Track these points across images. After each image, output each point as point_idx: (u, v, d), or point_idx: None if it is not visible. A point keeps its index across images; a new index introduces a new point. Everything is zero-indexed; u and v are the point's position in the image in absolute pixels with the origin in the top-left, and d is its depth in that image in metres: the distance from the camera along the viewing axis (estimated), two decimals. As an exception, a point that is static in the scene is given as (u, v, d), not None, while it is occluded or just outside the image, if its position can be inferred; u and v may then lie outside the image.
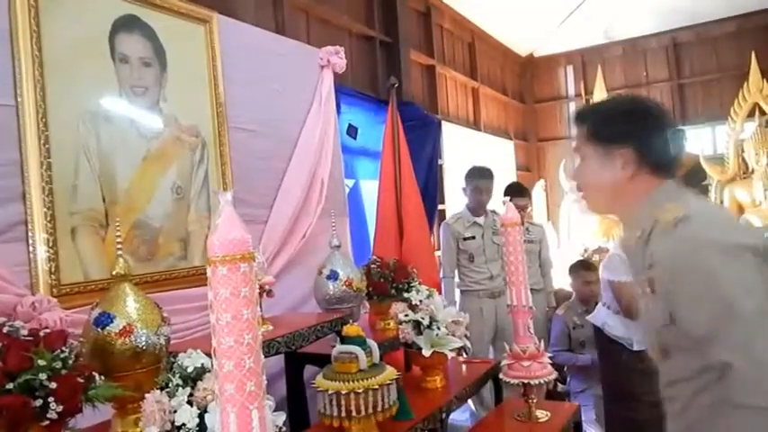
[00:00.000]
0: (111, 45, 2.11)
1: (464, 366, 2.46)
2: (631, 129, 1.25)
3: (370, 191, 4.03)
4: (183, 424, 1.11)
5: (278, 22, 3.41)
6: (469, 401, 3.11)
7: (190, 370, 1.18)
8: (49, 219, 1.85)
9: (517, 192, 3.82)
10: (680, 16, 6.32)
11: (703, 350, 1.06)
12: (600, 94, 6.02)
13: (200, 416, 1.14)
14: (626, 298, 2.77)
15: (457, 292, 3.65)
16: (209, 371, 1.22)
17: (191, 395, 1.17)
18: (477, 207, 3.55)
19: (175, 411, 1.14)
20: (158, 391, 1.16)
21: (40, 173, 1.85)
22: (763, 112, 5.21)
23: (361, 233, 3.90)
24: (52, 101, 1.90)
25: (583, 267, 3.84)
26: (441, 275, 3.48)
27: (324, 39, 3.73)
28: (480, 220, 3.54)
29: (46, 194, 1.85)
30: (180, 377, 1.19)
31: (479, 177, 3.57)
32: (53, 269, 1.86)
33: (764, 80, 5.21)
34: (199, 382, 1.18)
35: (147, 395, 1.16)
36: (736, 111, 5.34)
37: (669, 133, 1.24)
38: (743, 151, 5.29)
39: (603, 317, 2.90)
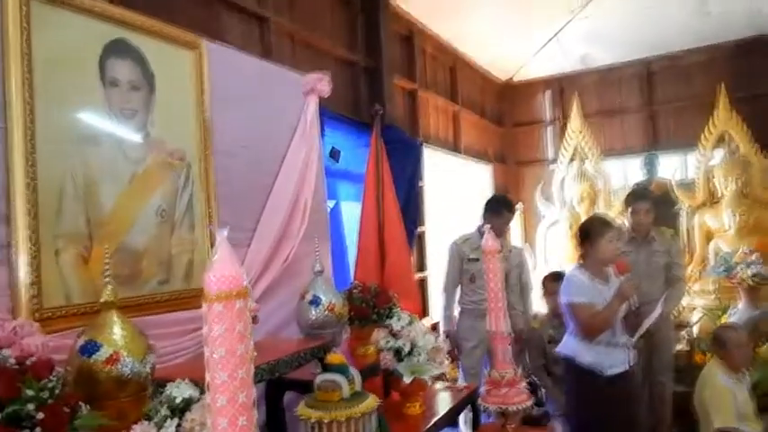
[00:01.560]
0: (101, 68, 2.13)
1: (443, 392, 2.49)
2: None
3: (350, 212, 4.08)
4: (172, 455, 1.13)
5: (264, 45, 3.46)
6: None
7: (178, 401, 1.19)
8: (33, 242, 1.85)
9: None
10: (653, 46, 6.54)
11: None
12: (576, 120, 6.16)
13: (188, 447, 1.15)
14: (582, 319, 2.85)
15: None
16: (197, 401, 1.24)
17: (178, 425, 1.18)
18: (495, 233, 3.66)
19: (163, 442, 1.16)
20: (146, 422, 1.17)
21: (26, 195, 1.84)
22: (731, 140, 5.39)
23: (341, 255, 3.93)
24: (41, 123, 1.90)
25: (551, 279, 3.95)
26: (443, 289, 3.67)
27: (308, 63, 3.79)
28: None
29: (31, 217, 1.85)
30: (167, 408, 1.20)
31: (509, 212, 3.74)
32: (35, 293, 1.85)
33: (732, 109, 5.40)
34: (187, 413, 1.20)
35: (134, 426, 1.17)
36: (706, 138, 5.51)
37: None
38: (712, 178, 5.45)
39: (573, 346, 2.95)
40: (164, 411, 1.19)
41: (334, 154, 3.99)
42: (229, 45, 2.95)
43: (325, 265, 2.91)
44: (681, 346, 4.41)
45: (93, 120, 2.10)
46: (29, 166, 1.86)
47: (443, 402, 2.33)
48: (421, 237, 4.97)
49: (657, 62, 6.80)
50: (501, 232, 3.71)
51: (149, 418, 1.21)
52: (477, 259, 3.65)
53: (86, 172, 2.05)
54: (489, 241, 2.23)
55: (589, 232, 2.98)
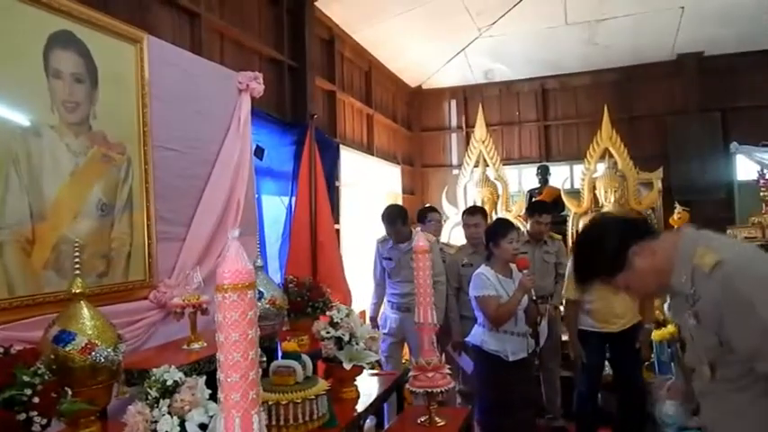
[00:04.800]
0: (45, 60, 2.11)
1: (372, 378, 2.70)
2: (621, 239, 1.53)
3: (271, 206, 4.17)
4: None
5: (194, 41, 3.47)
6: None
7: (169, 383, 1.30)
8: (-23, 234, 1.82)
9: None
10: (548, 66, 7.20)
11: (749, 363, 1.34)
12: (480, 129, 6.61)
13: (180, 424, 1.27)
14: (489, 310, 3.22)
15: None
16: (183, 384, 1.35)
17: (169, 405, 1.29)
18: (394, 240, 3.88)
19: (156, 422, 1.26)
20: (140, 403, 1.27)
21: (-31, 186, 1.82)
22: (611, 156, 6.08)
23: (261, 247, 4.01)
24: (-15, 114, 1.87)
25: (467, 213, 4.31)
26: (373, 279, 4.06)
27: (236, 60, 3.84)
28: (402, 245, 3.86)
29: (-25, 208, 1.82)
30: (157, 390, 1.30)
31: (385, 216, 3.95)
32: (-21, 285, 1.82)
33: (614, 129, 6.11)
34: (176, 395, 1.31)
35: (129, 407, 1.27)
36: (591, 153, 6.18)
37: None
38: (595, 188, 6.12)
39: (480, 335, 3.31)
40: (154, 393, 1.29)
41: (257, 152, 4.06)
42: (161, 38, 2.96)
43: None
44: (567, 337, 4.95)
45: (37, 111, 2.08)
46: (-28, 155, 1.83)
47: (374, 387, 2.54)
48: (337, 234, 5.15)
49: (551, 81, 7.49)
50: (395, 238, 3.99)
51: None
52: (390, 258, 3.94)
53: (29, 164, 2.03)
54: (420, 241, 2.46)
55: (493, 234, 3.34)
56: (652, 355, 4.40)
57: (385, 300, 4.05)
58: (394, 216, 3.88)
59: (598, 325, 3.73)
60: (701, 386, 1.53)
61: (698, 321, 1.41)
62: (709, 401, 1.52)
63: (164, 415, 1.26)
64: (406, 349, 4.15)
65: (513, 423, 3.22)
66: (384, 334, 3.92)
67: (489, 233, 3.41)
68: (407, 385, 2.46)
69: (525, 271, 3.22)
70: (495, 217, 6.16)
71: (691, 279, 1.42)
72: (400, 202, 7.23)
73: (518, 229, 3.63)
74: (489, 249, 3.37)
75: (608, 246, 1.56)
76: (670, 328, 4.38)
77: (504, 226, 3.38)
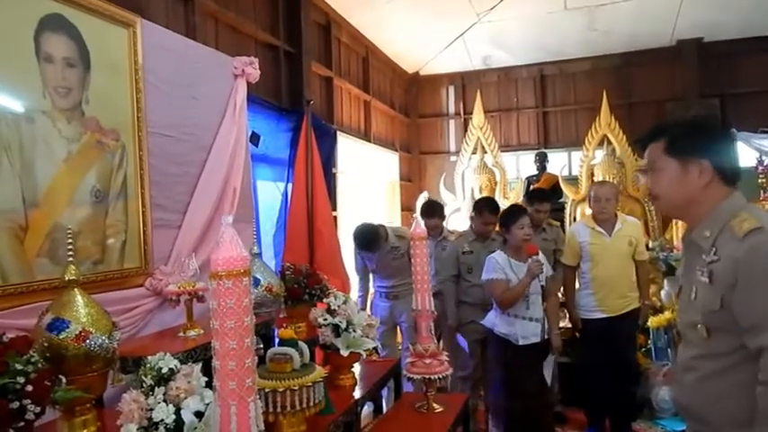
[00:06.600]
0: (36, 44, 2.07)
1: (369, 365, 2.70)
2: (709, 143, 1.42)
3: (265, 191, 4.15)
4: (162, 420, 1.23)
5: (188, 25, 3.41)
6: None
7: (164, 371, 1.29)
8: (-31, 221, 1.80)
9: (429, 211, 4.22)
10: (546, 52, 7.14)
11: (746, 335, 1.29)
12: (478, 115, 6.57)
13: (176, 412, 1.26)
14: (496, 293, 3.25)
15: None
16: (178, 372, 1.34)
17: (164, 393, 1.28)
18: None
19: (151, 409, 1.25)
20: (135, 391, 1.25)
21: (-40, 172, 1.79)
22: (609, 143, 6.05)
23: (257, 233, 4.00)
24: (-24, 99, 1.84)
25: (488, 208, 3.98)
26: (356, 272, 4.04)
27: (231, 45, 3.79)
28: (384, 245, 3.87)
29: (-34, 195, 1.80)
30: (152, 378, 1.29)
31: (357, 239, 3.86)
32: (-28, 272, 1.80)
33: (612, 115, 6.06)
34: (171, 382, 1.29)
35: (124, 395, 1.26)
36: (589, 140, 6.14)
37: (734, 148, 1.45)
38: (593, 175, 6.09)
39: (492, 318, 3.35)
40: (149, 381, 1.28)
41: (253, 138, 4.03)
42: (154, 22, 2.92)
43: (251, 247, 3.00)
44: (564, 323, 4.96)
45: (28, 96, 2.05)
46: (-37, 141, 1.80)
47: (371, 374, 2.53)
48: (334, 221, 5.13)
49: (550, 67, 7.43)
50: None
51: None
52: (370, 259, 3.96)
53: (21, 150, 2.00)
54: (417, 228, 2.44)
55: (506, 220, 3.37)
56: (649, 341, 4.41)
57: (372, 290, 4.05)
58: (372, 242, 3.81)
59: (600, 307, 3.72)
60: (684, 359, 1.48)
61: (710, 280, 1.36)
62: (691, 378, 1.45)
63: (159, 403, 1.25)
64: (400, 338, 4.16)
65: (523, 407, 3.24)
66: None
67: (502, 219, 3.45)
68: (404, 372, 2.47)
69: (534, 257, 3.24)
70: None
71: (715, 237, 1.37)
72: (398, 190, 7.23)
73: (529, 214, 3.62)
74: (503, 235, 3.42)
75: (697, 132, 1.45)
76: (667, 314, 4.39)
77: (515, 212, 3.43)
